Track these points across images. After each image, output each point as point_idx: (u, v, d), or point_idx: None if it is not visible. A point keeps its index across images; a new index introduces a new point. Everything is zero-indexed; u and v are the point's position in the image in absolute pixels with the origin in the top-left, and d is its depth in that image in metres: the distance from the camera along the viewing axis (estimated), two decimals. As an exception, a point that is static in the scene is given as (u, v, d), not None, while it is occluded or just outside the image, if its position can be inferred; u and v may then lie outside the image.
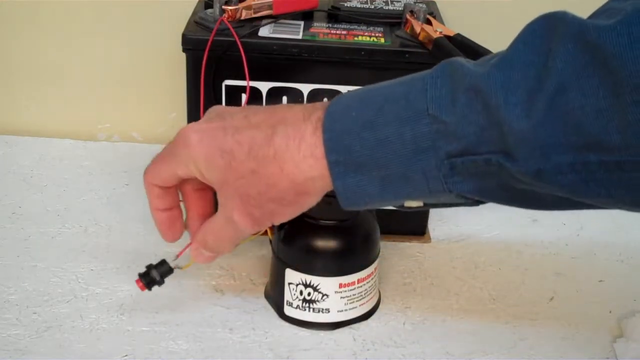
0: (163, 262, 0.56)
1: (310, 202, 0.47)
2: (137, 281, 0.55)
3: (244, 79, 0.61)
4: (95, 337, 0.56)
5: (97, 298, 0.60)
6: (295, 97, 0.64)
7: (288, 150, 0.45)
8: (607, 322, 0.61)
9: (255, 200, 0.47)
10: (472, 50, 0.61)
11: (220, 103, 0.64)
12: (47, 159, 0.80)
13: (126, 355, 0.54)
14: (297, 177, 0.45)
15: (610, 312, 0.62)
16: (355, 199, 0.45)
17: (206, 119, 0.49)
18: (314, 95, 0.64)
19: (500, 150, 0.40)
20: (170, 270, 0.56)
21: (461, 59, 0.44)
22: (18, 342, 0.55)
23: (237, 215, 0.48)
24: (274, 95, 0.64)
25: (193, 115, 0.64)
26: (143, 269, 0.56)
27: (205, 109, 0.61)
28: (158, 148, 0.65)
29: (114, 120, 0.86)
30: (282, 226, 0.58)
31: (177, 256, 0.57)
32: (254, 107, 0.49)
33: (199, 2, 0.69)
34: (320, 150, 0.44)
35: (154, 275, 0.55)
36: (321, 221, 0.57)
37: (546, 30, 0.42)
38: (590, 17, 0.41)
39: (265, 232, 0.61)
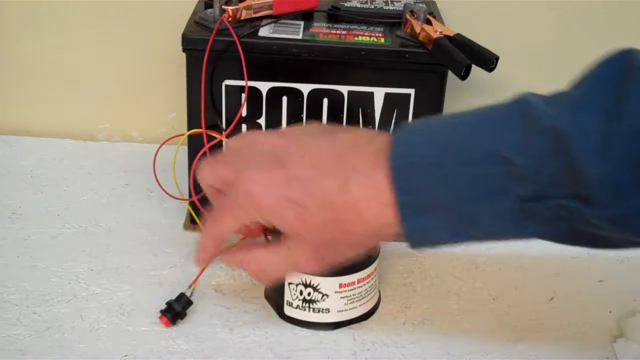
0: (182, 296, 0.58)
1: (382, 242, 0.48)
2: (160, 317, 0.57)
3: (244, 79, 0.61)
4: (95, 337, 0.56)
5: (97, 298, 0.60)
6: (295, 97, 0.64)
7: (364, 200, 0.45)
8: (607, 322, 0.61)
9: (328, 245, 0.47)
10: (472, 50, 0.61)
11: (220, 103, 0.64)
12: (47, 159, 0.80)
13: (126, 355, 0.54)
14: (375, 224, 0.45)
15: (610, 312, 0.62)
16: (422, 241, 0.45)
17: (262, 164, 0.48)
18: (314, 95, 0.64)
19: (576, 194, 0.39)
20: (189, 302, 0.58)
21: (531, 96, 0.43)
22: (18, 342, 0.55)
23: (305, 261, 0.49)
24: (274, 95, 0.64)
25: (193, 115, 0.64)
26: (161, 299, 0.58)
27: (206, 109, 0.62)
28: (158, 148, 0.65)
29: (114, 120, 0.86)
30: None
31: (192, 286, 0.58)
32: (310, 146, 0.48)
33: (199, 2, 0.69)
34: (391, 198, 0.44)
35: (177, 309, 0.57)
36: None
37: (619, 71, 0.41)
38: None
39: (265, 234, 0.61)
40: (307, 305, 0.57)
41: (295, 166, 0.47)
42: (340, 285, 0.57)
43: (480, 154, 0.42)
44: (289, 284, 0.58)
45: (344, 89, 0.64)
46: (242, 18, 0.63)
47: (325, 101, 0.64)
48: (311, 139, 0.49)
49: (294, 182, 0.46)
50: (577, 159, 0.39)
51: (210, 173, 0.53)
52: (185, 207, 0.70)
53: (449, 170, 0.42)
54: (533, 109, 0.41)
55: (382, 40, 0.63)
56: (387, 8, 0.68)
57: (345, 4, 0.68)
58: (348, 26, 0.66)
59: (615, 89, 0.40)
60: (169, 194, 0.66)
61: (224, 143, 0.56)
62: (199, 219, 0.65)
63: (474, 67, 0.59)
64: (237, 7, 0.63)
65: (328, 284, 0.57)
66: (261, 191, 0.47)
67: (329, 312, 0.58)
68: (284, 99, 0.64)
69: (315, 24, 0.66)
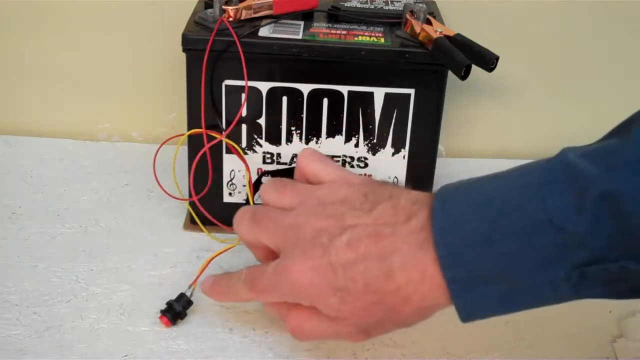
0: (182, 296, 0.58)
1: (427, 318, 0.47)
2: (161, 318, 0.57)
3: (244, 79, 0.61)
4: (95, 337, 0.56)
5: (97, 298, 0.60)
6: (295, 97, 0.64)
7: (411, 284, 0.44)
8: (607, 322, 0.61)
9: (374, 325, 0.47)
10: (472, 50, 0.61)
11: (220, 103, 0.64)
12: (47, 159, 0.80)
13: (126, 355, 0.54)
14: (423, 305, 0.45)
15: (610, 312, 0.62)
16: (476, 314, 0.44)
17: (306, 249, 0.47)
18: (314, 95, 0.64)
19: (633, 255, 0.39)
20: (190, 302, 0.58)
21: (572, 155, 0.42)
22: (18, 342, 0.55)
23: (350, 336, 0.48)
24: (274, 95, 0.64)
25: (193, 115, 0.64)
26: (164, 305, 0.58)
27: (206, 109, 0.62)
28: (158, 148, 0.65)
29: (114, 120, 0.86)
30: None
31: (192, 286, 0.58)
32: (351, 226, 0.47)
33: (199, 2, 0.69)
34: (439, 276, 0.43)
35: (177, 310, 0.57)
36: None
37: None
38: None
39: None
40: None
41: (338, 252, 0.46)
42: (340, 285, 0.57)
43: (531, 224, 0.41)
44: None
45: (344, 89, 0.64)
46: (242, 18, 0.63)
47: (325, 101, 0.64)
48: (351, 215, 0.47)
49: (337, 269, 0.45)
50: (634, 222, 0.38)
51: (248, 234, 0.53)
52: (185, 207, 0.70)
53: (502, 246, 0.41)
54: (579, 170, 0.40)
55: (382, 40, 0.63)
56: (387, 8, 0.68)
57: (345, 4, 0.68)
58: (348, 26, 0.66)
59: None
60: (169, 194, 0.66)
61: (261, 190, 0.55)
62: (200, 220, 0.65)
63: (474, 67, 0.59)
64: (237, 7, 0.63)
65: (328, 284, 0.57)
66: (306, 281, 0.46)
67: (329, 312, 0.58)
68: (284, 99, 0.64)
69: (315, 24, 0.66)
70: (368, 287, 0.45)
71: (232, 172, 0.67)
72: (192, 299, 0.58)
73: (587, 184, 0.40)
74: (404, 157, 0.67)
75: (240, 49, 0.60)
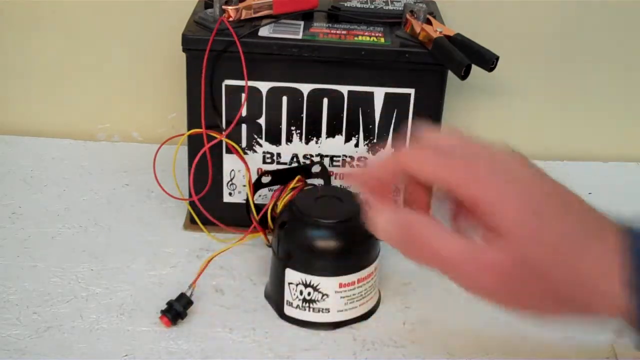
0: (182, 296, 0.58)
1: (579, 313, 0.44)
2: (161, 317, 0.57)
3: (244, 79, 0.61)
4: (95, 337, 0.56)
5: (97, 298, 0.60)
6: (295, 97, 0.64)
7: (597, 259, 0.42)
8: (607, 322, 0.61)
9: (528, 271, 0.42)
10: (472, 50, 0.61)
11: (220, 103, 0.64)
12: (47, 159, 0.80)
13: (126, 355, 0.54)
14: (606, 295, 0.42)
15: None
16: None
17: (530, 204, 0.43)
18: (314, 95, 0.64)
19: None
20: (190, 302, 0.58)
21: None
22: (18, 342, 0.55)
23: (486, 272, 0.42)
24: (274, 95, 0.64)
25: (193, 115, 0.64)
26: (165, 305, 0.57)
27: (206, 109, 0.62)
28: (158, 148, 0.65)
29: (114, 120, 0.86)
30: (282, 226, 0.58)
31: (192, 286, 0.58)
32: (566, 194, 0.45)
33: (199, 2, 0.69)
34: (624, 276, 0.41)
35: (178, 309, 0.57)
36: (321, 221, 0.57)
37: None
38: None
39: (265, 232, 0.61)
40: (307, 305, 0.57)
41: (550, 186, 0.44)
42: (340, 285, 0.57)
43: None
44: (289, 283, 0.58)
45: (344, 89, 0.64)
46: (242, 18, 0.63)
47: (325, 101, 0.64)
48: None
49: (545, 197, 0.43)
50: None
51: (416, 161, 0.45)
52: (185, 207, 0.70)
53: None
54: None
55: (382, 40, 0.63)
56: (387, 8, 0.68)
57: (345, 4, 0.68)
58: (348, 26, 0.66)
59: None
60: (169, 194, 0.66)
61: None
62: (200, 220, 0.65)
63: (474, 67, 0.59)
64: (237, 7, 0.63)
65: (328, 284, 0.57)
66: (509, 181, 0.43)
67: (329, 312, 0.58)
68: (284, 99, 0.64)
69: (315, 24, 0.66)
70: (571, 235, 0.42)
71: (232, 172, 0.67)
72: (192, 299, 0.58)
73: None
74: (404, 157, 0.66)
75: (240, 49, 0.60)
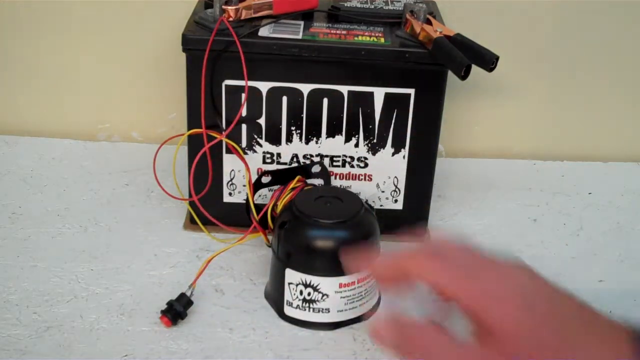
0: (182, 296, 0.58)
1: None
2: (161, 317, 0.57)
3: (244, 79, 0.61)
4: (95, 337, 0.56)
5: (97, 298, 0.60)
6: (295, 97, 0.64)
7: (596, 353, 0.41)
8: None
9: None
10: (472, 50, 0.61)
11: (220, 103, 0.64)
12: (47, 159, 0.80)
13: (126, 355, 0.54)
14: None
15: (610, 312, 0.62)
16: None
17: (527, 303, 0.43)
18: (314, 95, 0.64)
19: None
20: (190, 302, 0.58)
21: None
22: (18, 342, 0.55)
23: None
24: (274, 95, 0.64)
25: (193, 115, 0.64)
26: (165, 306, 0.57)
27: (206, 109, 0.62)
28: (158, 148, 0.65)
29: (114, 120, 0.86)
30: (282, 226, 0.58)
31: (192, 286, 0.58)
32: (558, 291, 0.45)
33: (199, 2, 0.69)
34: None
35: (178, 309, 0.57)
36: (321, 221, 0.57)
37: None
38: None
39: (264, 232, 0.61)
40: (307, 305, 0.57)
41: (542, 301, 0.43)
42: (340, 285, 0.57)
43: None
44: (289, 284, 0.58)
45: (344, 89, 0.64)
46: (242, 18, 0.63)
47: (325, 101, 0.64)
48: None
49: (536, 299, 0.43)
50: None
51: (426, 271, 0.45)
52: (185, 207, 0.70)
53: None
54: None
55: (382, 40, 0.63)
56: (387, 8, 0.68)
57: (345, 4, 0.68)
58: (348, 26, 0.66)
59: None
60: (169, 194, 0.66)
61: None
62: (200, 220, 0.65)
63: (474, 67, 0.59)
64: (237, 7, 0.63)
65: (328, 284, 0.57)
66: (501, 281, 0.43)
67: (329, 312, 0.58)
68: (284, 99, 0.64)
69: (315, 24, 0.66)
70: (554, 327, 0.42)
71: (232, 172, 0.67)
72: (192, 299, 0.58)
73: None
74: (404, 157, 0.67)
75: (240, 49, 0.60)
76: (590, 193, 0.80)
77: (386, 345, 0.45)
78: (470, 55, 0.59)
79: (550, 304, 0.43)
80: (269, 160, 0.66)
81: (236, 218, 0.63)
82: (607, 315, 0.44)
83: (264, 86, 0.63)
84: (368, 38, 0.63)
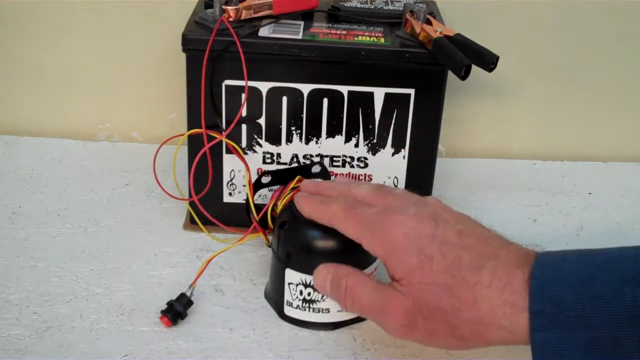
0: (182, 296, 0.58)
1: (478, 346, 0.45)
2: (161, 318, 0.57)
3: (244, 79, 0.61)
4: (95, 337, 0.56)
5: (97, 298, 0.60)
6: (295, 97, 0.64)
7: (490, 288, 0.44)
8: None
9: (429, 313, 0.46)
10: (472, 50, 0.61)
11: (220, 103, 0.64)
12: (47, 159, 0.80)
13: (126, 355, 0.54)
14: (485, 318, 0.44)
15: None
16: (552, 358, 0.42)
17: (418, 213, 0.49)
18: (314, 95, 0.64)
19: None
20: (190, 302, 0.58)
21: None
22: (18, 342, 0.55)
23: (397, 314, 0.47)
24: (274, 95, 0.64)
25: (193, 115, 0.64)
26: (164, 306, 0.57)
27: (206, 109, 0.62)
28: (158, 148, 0.65)
29: (114, 120, 0.86)
30: (282, 226, 0.58)
31: (192, 286, 0.58)
32: (468, 223, 0.49)
33: (199, 2, 0.69)
34: (523, 301, 0.42)
35: (178, 309, 0.57)
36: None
37: None
38: None
39: (264, 232, 0.61)
40: (307, 305, 0.57)
41: (446, 231, 0.47)
42: (340, 285, 0.57)
43: (635, 274, 0.40)
44: (289, 284, 0.58)
45: (344, 89, 0.64)
46: (242, 18, 0.63)
47: (325, 101, 0.64)
48: (465, 216, 0.50)
49: (436, 240, 0.47)
50: None
51: (347, 190, 0.54)
52: (185, 207, 0.70)
53: (597, 286, 0.40)
54: None
55: (382, 40, 0.63)
56: (387, 8, 0.68)
57: (345, 4, 0.68)
58: (348, 26, 0.66)
59: None
60: (169, 194, 0.66)
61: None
62: (200, 220, 0.65)
63: (474, 67, 0.59)
64: (237, 7, 0.63)
65: (328, 284, 0.57)
66: (402, 232, 0.47)
67: (329, 312, 0.58)
68: (284, 99, 0.64)
69: (315, 24, 0.66)
70: (450, 268, 0.45)
71: (232, 172, 0.67)
72: (192, 299, 0.58)
73: None
74: (404, 157, 0.67)
75: (240, 49, 0.60)
76: (590, 193, 0.80)
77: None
78: (470, 55, 0.59)
79: (447, 247, 0.46)
80: (269, 160, 0.66)
81: (236, 218, 0.63)
82: (514, 246, 0.47)
83: (264, 86, 0.63)
84: (368, 38, 0.63)
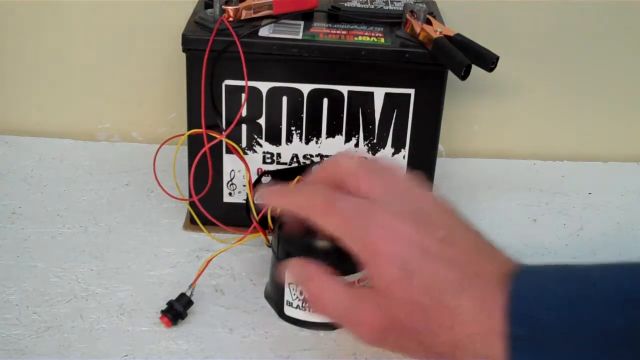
0: (182, 296, 0.58)
1: None
2: (161, 317, 0.57)
3: (244, 79, 0.61)
4: (95, 337, 0.56)
5: (97, 298, 0.60)
6: (295, 97, 0.64)
7: (469, 313, 0.41)
8: None
9: (401, 328, 0.43)
10: (472, 50, 0.61)
11: (220, 103, 0.64)
12: (47, 159, 0.80)
13: (126, 355, 0.54)
14: (461, 343, 0.41)
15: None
16: None
17: (400, 211, 0.44)
18: (314, 95, 0.64)
19: None
20: (190, 302, 0.58)
21: None
22: (18, 342, 0.55)
23: (367, 323, 0.44)
24: (274, 95, 0.64)
25: (193, 115, 0.64)
26: (164, 304, 0.57)
27: (206, 109, 0.62)
28: (158, 148, 0.65)
29: (114, 120, 0.86)
30: (282, 226, 0.58)
31: (192, 286, 0.58)
32: (454, 227, 0.45)
33: (199, 2, 0.69)
34: (502, 327, 0.39)
35: (178, 309, 0.57)
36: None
37: None
38: None
39: (265, 236, 0.61)
40: (307, 305, 0.57)
41: (426, 237, 0.43)
42: (340, 285, 0.57)
43: (622, 297, 0.38)
44: (289, 284, 0.58)
45: (344, 89, 0.64)
46: (242, 18, 0.63)
47: (325, 101, 0.64)
48: (452, 216, 0.46)
49: (418, 249, 0.43)
50: None
51: (337, 168, 0.49)
52: (185, 207, 0.70)
53: (582, 309, 0.38)
54: None
55: (382, 40, 0.63)
56: (387, 8, 0.68)
57: (345, 4, 0.68)
58: (348, 26, 0.66)
59: None
60: (169, 194, 0.66)
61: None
62: (200, 220, 0.65)
63: (474, 67, 0.59)
64: (237, 7, 0.63)
65: (328, 284, 0.57)
66: (383, 235, 0.44)
67: (329, 312, 0.58)
68: (284, 99, 0.64)
69: (315, 24, 0.66)
70: (429, 290, 0.42)
71: (232, 172, 0.67)
72: (192, 299, 0.58)
73: None
74: (404, 157, 0.67)
75: (240, 49, 0.60)
76: (590, 193, 0.80)
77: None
78: (470, 55, 0.59)
79: (428, 260, 0.43)
80: (269, 160, 0.66)
81: (236, 218, 0.63)
82: (498, 257, 0.44)
83: (264, 86, 0.63)
84: (368, 38, 0.63)
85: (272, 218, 0.61)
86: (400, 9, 0.67)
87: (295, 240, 0.57)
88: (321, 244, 0.57)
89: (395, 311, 0.43)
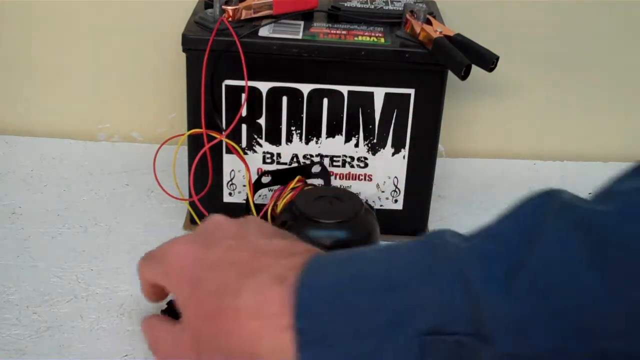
0: None
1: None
2: None
3: (244, 79, 0.61)
4: (95, 337, 0.56)
5: (97, 298, 0.60)
6: (295, 97, 0.64)
7: (252, 311, 0.41)
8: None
9: (205, 342, 0.44)
10: (472, 50, 0.61)
11: (220, 103, 0.64)
12: (47, 159, 0.80)
13: (126, 355, 0.54)
14: (254, 345, 0.41)
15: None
16: None
17: (197, 234, 0.47)
18: (314, 95, 0.64)
19: (475, 331, 0.36)
20: None
21: (448, 231, 0.40)
22: (18, 342, 0.55)
23: (186, 349, 0.45)
24: (274, 95, 0.64)
25: (193, 115, 0.64)
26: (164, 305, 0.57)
27: (206, 109, 0.62)
28: (158, 148, 0.65)
29: (114, 120, 0.86)
30: (282, 226, 0.58)
31: None
32: (247, 238, 0.46)
33: (199, 2, 0.69)
34: (287, 320, 0.39)
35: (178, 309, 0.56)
36: (321, 221, 0.57)
37: (539, 207, 0.38)
38: (591, 200, 0.39)
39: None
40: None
41: (217, 247, 0.45)
42: (340, 285, 0.57)
43: (385, 282, 0.39)
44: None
45: (344, 89, 0.64)
46: (242, 18, 0.63)
47: (325, 101, 0.64)
48: (255, 233, 0.47)
49: (204, 263, 0.45)
50: (479, 291, 0.36)
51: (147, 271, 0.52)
52: (185, 207, 0.70)
53: (352, 298, 0.39)
54: (444, 240, 0.39)
55: (382, 40, 0.63)
56: (387, 8, 0.68)
57: (345, 4, 0.68)
58: (348, 26, 0.66)
59: (531, 222, 0.37)
60: (169, 194, 0.66)
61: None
62: (199, 220, 0.65)
63: (474, 67, 0.59)
64: (237, 7, 0.63)
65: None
66: (173, 262, 0.47)
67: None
68: (284, 99, 0.64)
69: (315, 24, 0.66)
70: (215, 295, 0.43)
71: (232, 172, 0.67)
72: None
73: (444, 251, 0.38)
74: (404, 157, 0.67)
75: (240, 49, 0.60)
76: (590, 193, 0.80)
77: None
78: (470, 55, 0.59)
79: (215, 269, 0.44)
80: (269, 160, 0.66)
81: (236, 218, 0.63)
82: (297, 254, 0.43)
83: (264, 86, 0.63)
84: (368, 38, 0.63)
85: (272, 218, 0.61)
86: (400, 9, 0.67)
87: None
88: (322, 240, 0.57)
89: (196, 326, 0.44)
